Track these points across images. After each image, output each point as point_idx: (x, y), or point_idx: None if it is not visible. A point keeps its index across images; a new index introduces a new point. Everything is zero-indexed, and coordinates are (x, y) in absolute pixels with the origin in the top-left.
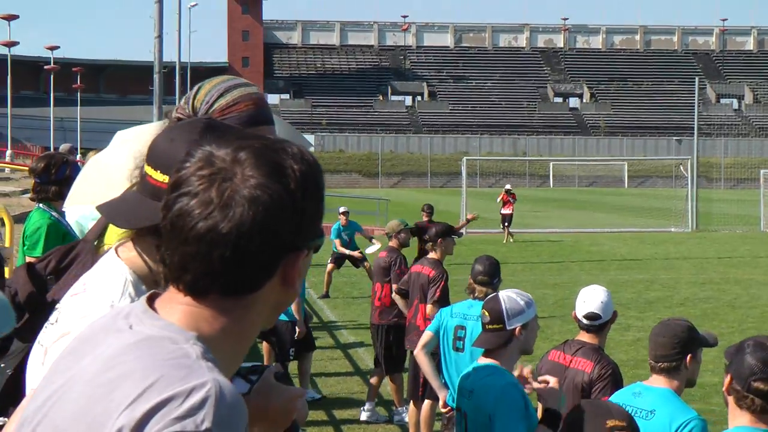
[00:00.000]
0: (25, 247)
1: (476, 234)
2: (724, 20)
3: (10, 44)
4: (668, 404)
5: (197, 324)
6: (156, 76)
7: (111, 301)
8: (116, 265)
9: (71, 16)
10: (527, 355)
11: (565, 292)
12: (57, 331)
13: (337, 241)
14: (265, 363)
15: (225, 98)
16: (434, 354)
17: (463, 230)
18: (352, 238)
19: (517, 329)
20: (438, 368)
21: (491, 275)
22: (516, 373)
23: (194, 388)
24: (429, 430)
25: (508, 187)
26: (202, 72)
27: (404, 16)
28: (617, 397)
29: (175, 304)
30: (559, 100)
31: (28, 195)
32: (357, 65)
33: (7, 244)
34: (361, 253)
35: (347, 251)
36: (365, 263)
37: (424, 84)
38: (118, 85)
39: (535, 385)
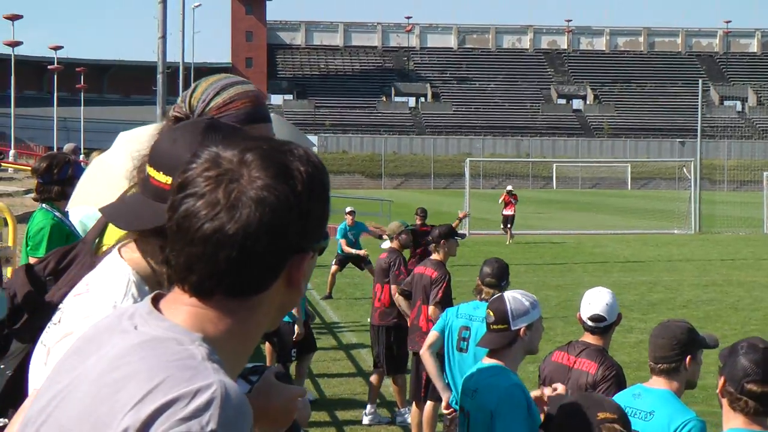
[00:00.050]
0: (28, 248)
1: (479, 235)
2: (727, 22)
3: (14, 44)
4: (667, 405)
5: (202, 325)
6: (159, 77)
7: (114, 302)
8: (119, 266)
9: (75, 16)
10: (532, 355)
11: (567, 293)
12: (60, 332)
13: (342, 241)
14: (268, 364)
15: (221, 96)
16: (439, 355)
17: (465, 231)
18: (357, 239)
19: (522, 330)
20: (442, 369)
21: (499, 277)
22: (536, 393)
23: (200, 389)
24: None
25: (509, 188)
26: (205, 72)
27: (408, 17)
28: (618, 399)
29: (180, 305)
30: (563, 101)
31: (31, 195)
32: (360, 66)
33: (10, 244)
34: (366, 253)
35: (353, 250)
36: (369, 266)
37: (428, 85)
38: (122, 85)
39: (547, 392)
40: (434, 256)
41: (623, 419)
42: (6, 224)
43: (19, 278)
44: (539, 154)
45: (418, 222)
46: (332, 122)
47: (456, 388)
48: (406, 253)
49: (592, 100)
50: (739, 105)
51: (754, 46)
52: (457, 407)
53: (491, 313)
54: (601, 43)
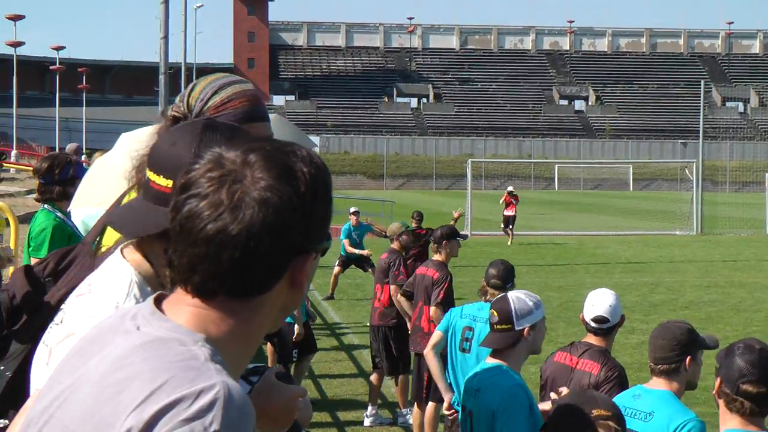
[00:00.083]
0: (30, 248)
1: (481, 236)
2: (730, 23)
3: (16, 44)
4: (667, 406)
5: (205, 326)
6: (161, 77)
7: (116, 302)
8: (121, 266)
9: (77, 16)
10: (534, 355)
11: (569, 294)
12: (62, 332)
13: (346, 242)
14: (269, 365)
15: (219, 95)
16: (442, 355)
17: (467, 232)
18: (362, 239)
19: (526, 330)
20: (444, 369)
21: (504, 279)
22: (545, 408)
23: (203, 390)
24: None
25: (510, 188)
26: (207, 73)
27: (410, 18)
28: (618, 400)
29: (183, 305)
30: (565, 102)
31: (33, 195)
32: (362, 67)
33: (12, 245)
34: (369, 253)
35: (356, 251)
36: (373, 267)
37: (430, 86)
38: (124, 85)
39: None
40: (436, 257)
41: (617, 416)
42: (8, 225)
43: (19, 279)
44: (541, 155)
45: (414, 225)
46: (334, 123)
47: (458, 389)
48: None
49: (594, 101)
50: (741, 106)
51: (756, 47)
52: (459, 408)
53: (495, 313)
54: (603, 44)
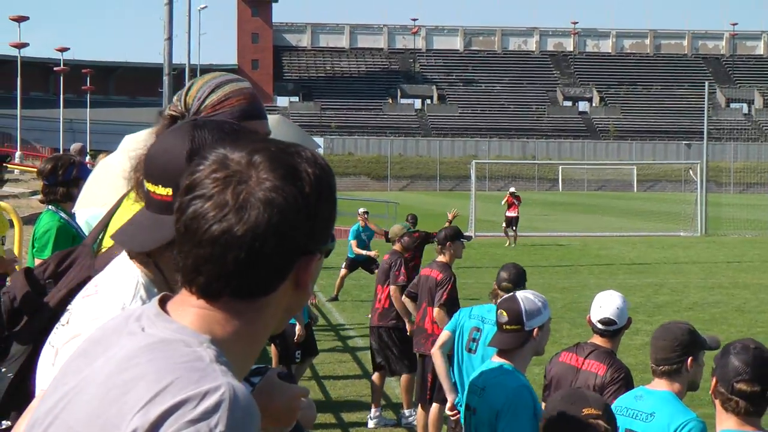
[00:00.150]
0: (34, 249)
1: (485, 237)
2: (734, 24)
3: (20, 45)
4: (668, 406)
5: (210, 327)
6: (165, 78)
7: (122, 303)
8: (128, 268)
9: (81, 17)
10: (538, 356)
11: (573, 295)
12: (68, 333)
13: (353, 242)
14: (273, 366)
15: (216, 94)
16: (449, 356)
17: (471, 233)
18: (370, 240)
19: (535, 331)
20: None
21: (515, 283)
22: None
23: (208, 391)
24: None
25: (512, 189)
26: None
27: (414, 19)
28: (620, 401)
29: (188, 306)
30: (569, 103)
31: (38, 197)
32: (366, 68)
33: (15, 246)
34: (377, 253)
35: (363, 252)
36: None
37: (434, 87)
38: (128, 87)
39: None
40: (440, 258)
41: (608, 415)
42: (12, 226)
43: (19, 281)
44: (545, 156)
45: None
46: (338, 124)
47: (462, 389)
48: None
49: (598, 103)
50: (745, 107)
51: (760, 48)
52: (461, 407)
53: (505, 314)
54: (607, 46)
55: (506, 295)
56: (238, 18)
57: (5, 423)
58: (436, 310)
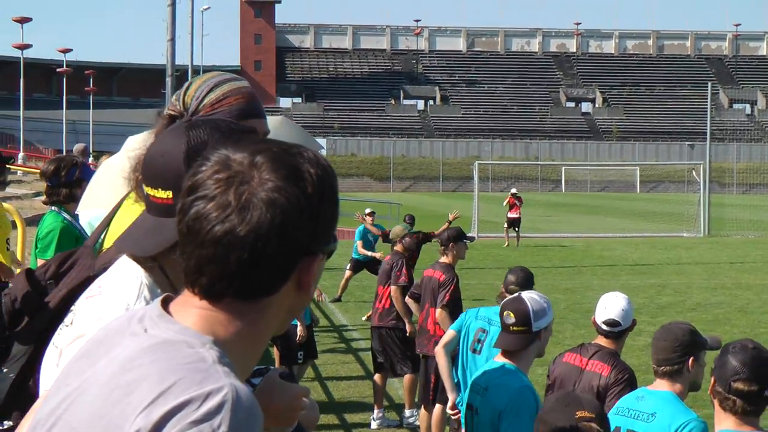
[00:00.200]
0: (37, 249)
1: (488, 238)
2: (737, 25)
3: (23, 47)
4: (669, 407)
5: (212, 328)
6: (168, 80)
7: (126, 304)
8: (132, 268)
9: (84, 19)
10: (539, 357)
11: (576, 296)
12: (72, 333)
13: (359, 243)
14: (276, 368)
15: (215, 93)
16: (452, 357)
17: (474, 234)
18: (376, 241)
19: (542, 332)
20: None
21: (523, 286)
22: None
23: (211, 392)
24: None
25: (514, 190)
26: None
27: (417, 20)
28: (622, 401)
29: (190, 307)
30: (572, 104)
31: (41, 198)
32: (369, 69)
33: (18, 247)
34: (382, 255)
35: (369, 253)
36: None
37: (437, 88)
38: (131, 88)
39: None
40: (443, 259)
41: (600, 418)
42: (15, 227)
43: (20, 282)
44: (548, 157)
45: None
46: (341, 125)
47: (465, 388)
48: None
49: (600, 103)
50: (748, 108)
51: (763, 49)
52: (462, 406)
53: (512, 315)
54: (610, 46)
55: (511, 296)
56: (241, 19)
57: (7, 423)
58: (438, 311)
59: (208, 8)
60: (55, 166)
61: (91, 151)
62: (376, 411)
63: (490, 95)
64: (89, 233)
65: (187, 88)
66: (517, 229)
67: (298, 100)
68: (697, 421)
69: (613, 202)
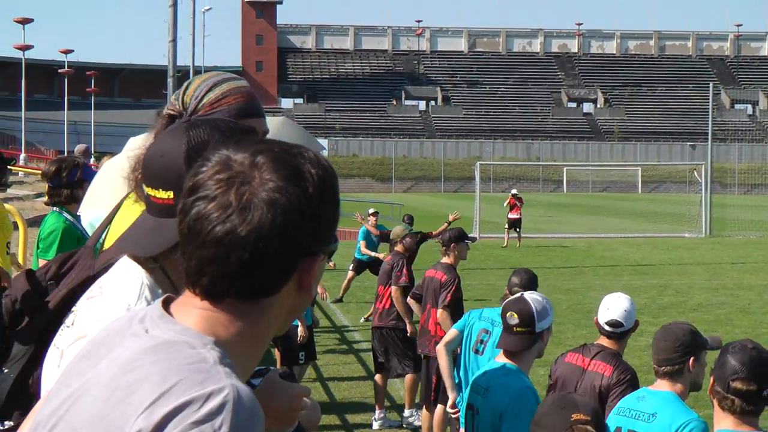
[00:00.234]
0: (39, 249)
1: (490, 239)
2: (738, 26)
3: (25, 48)
4: (670, 407)
5: (213, 328)
6: (170, 80)
7: (127, 305)
8: (133, 269)
9: (85, 19)
10: (538, 358)
11: (578, 297)
12: (73, 334)
13: (362, 243)
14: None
15: (214, 92)
16: (454, 357)
17: (476, 235)
18: (380, 241)
19: (544, 333)
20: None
21: (527, 288)
22: None
23: (212, 393)
24: None
25: (514, 191)
26: None
27: (418, 21)
28: (623, 402)
29: (191, 308)
30: (573, 105)
31: (42, 199)
32: (371, 70)
33: (20, 248)
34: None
35: (372, 253)
36: None
37: (438, 89)
38: (132, 89)
39: None
40: (445, 260)
41: (596, 421)
42: (16, 228)
43: (20, 283)
44: (549, 158)
45: None
46: (342, 126)
47: (466, 388)
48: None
49: (602, 104)
50: (749, 108)
51: (764, 49)
52: (462, 405)
53: (516, 315)
54: (611, 47)
55: (513, 297)
56: (243, 20)
57: (8, 423)
58: (439, 311)
59: (210, 9)
60: (56, 166)
61: (92, 152)
62: (377, 412)
63: (492, 96)
64: (90, 234)
65: (186, 88)
66: (518, 229)
67: (299, 100)
68: (697, 421)
69: (615, 203)
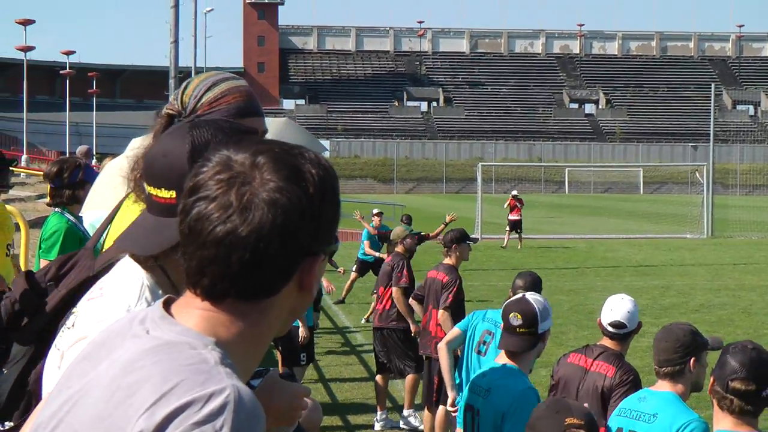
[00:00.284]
0: (41, 250)
1: (492, 240)
2: (740, 26)
3: (26, 49)
4: (670, 407)
5: (214, 329)
6: (171, 81)
7: (128, 306)
8: (133, 270)
9: (87, 20)
10: (538, 359)
11: (579, 298)
12: (74, 336)
13: (366, 243)
14: (280, 369)
15: (213, 91)
16: (455, 357)
17: (478, 236)
18: (380, 240)
19: (546, 333)
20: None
21: (531, 291)
22: None
23: (213, 393)
24: None
25: (514, 192)
26: None
27: (420, 22)
28: (624, 403)
29: (192, 308)
30: (575, 106)
31: (44, 200)
32: (372, 71)
33: (22, 250)
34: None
35: (377, 254)
36: None
37: (440, 90)
38: (134, 90)
39: None
40: (446, 261)
41: (589, 425)
42: (18, 229)
43: (19, 285)
44: (551, 159)
45: None
46: (344, 127)
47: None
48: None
49: (604, 105)
50: (751, 109)
51: (767, 50)
52: (462, 405)
53: (519, 316)
54: (613, 48)
55: (515, 297)
56: (244, 21)
57: (8, 424)
58: (440, 312)
59: (212, 10)
60: (58, 167)
61: (94, 153)
62: (379, 412)
63: (494, 97)
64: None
65: (185, 87)
66: (519, 230)
67: (301, 101)
68: (698, 421)
69: (617, 204)
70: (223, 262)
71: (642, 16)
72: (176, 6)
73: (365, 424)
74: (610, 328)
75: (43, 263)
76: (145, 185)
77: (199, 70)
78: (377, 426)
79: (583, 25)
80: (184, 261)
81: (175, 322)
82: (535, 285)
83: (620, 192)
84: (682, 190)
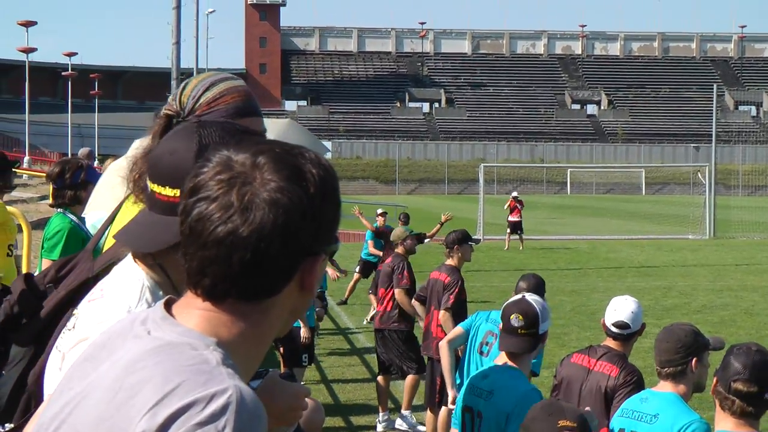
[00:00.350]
0: (44, 249)
1: (494, 240)
2: (742, 27)
3: (28, 50)
4: (672, 408)
5: (216, 329)
6: (173, 83)
7: (128, 307)
8: (133, 271)
9: (89, 20)
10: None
11: (582, 299)
12: (74, 337)
13: (370, 243)
14: (282, 370)
15: (211, 91)
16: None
17: (480, 237)
18: (380, 239)
19: (545, 334)
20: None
21: (534, 293)
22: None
23: (215, 394)
24: None
25: (515, 194)
26: None
27: (422, 23)
28: (626, 403)
29: (193, 309)
30: (577, 106)
31: (46, 201)
32: (374, 72)
33: (24, 251)
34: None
35: (380, 253)
36: None
37: (442, 91)
38: (136, 91)
39: None
40: (449, 262)
41: (582, 427)
42: (20, 230)
43: (18, 287)
44: (553, 160)
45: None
46: (346, 128)
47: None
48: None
49: (606, 105)
50: (753, 110)
51: None
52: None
53: (521, 317)
54: (615, 48)
55: (514, 299)
56: (246, 22)
57: (8, 425)
58: (441, 312)
59: (213, 11)
60: (60, 168)
61: (96, 154)
62: (381, 413)
63: (496, 97)
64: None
65: (184, 88)
66: (519, 232)
67: (303, 103)
68: (699, 422)
69: (619, 204)
70: (224, 262)
71: (644, 17)
72: (178, 7)
73: (367, 425)
74: (613, 329)
75: (46, 263)
76: (149, 182)
77: (200, 72)
78: (379, 427)
79: (585, 25)
80: (185, 261)
81: (176, 323)
82: (538, 288)
83: (622, 193)
84: (684, 190)
